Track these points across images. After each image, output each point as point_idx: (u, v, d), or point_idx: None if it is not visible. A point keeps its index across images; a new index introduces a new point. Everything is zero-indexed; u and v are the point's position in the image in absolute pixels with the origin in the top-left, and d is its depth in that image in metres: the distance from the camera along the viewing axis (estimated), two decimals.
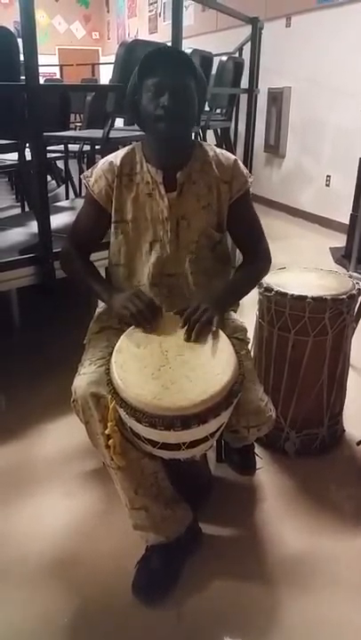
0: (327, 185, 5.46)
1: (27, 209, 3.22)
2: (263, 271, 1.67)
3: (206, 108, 3.54)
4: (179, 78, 1.38)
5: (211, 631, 1.39)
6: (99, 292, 1.52)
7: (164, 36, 7.76)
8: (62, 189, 3.84)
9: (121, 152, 1.55)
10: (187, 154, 1.51)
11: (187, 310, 1.39)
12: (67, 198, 3.68)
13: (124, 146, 1.61)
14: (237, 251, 1.70)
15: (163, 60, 1.38)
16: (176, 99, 1.36)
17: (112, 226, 1.55)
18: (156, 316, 1.41)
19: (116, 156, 1.54)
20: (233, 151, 4.44)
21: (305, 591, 1.48)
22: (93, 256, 1.66)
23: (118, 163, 1.52)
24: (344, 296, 1.82)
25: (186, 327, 1.36)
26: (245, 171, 1.56)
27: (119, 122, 2.98)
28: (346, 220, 4.39)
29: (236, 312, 1.72)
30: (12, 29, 2.33)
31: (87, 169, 1.63)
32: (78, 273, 1.58)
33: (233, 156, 1.56)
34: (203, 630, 1.39)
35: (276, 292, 1.84)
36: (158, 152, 1.49)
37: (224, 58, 4.08)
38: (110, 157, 1.56)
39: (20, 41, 2.07)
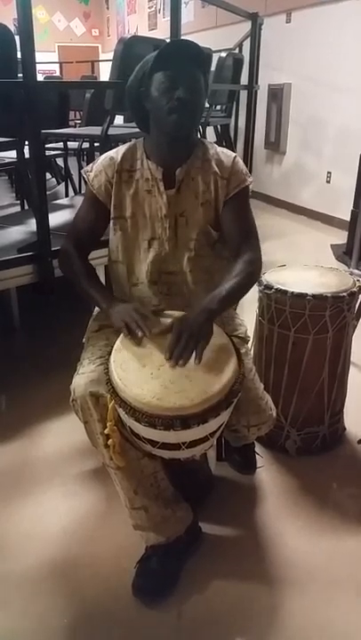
0: (328, 181, 5.44)
1: (26, 207, 3.21)
2: (254, 277, 1.49)
3: (206, 105, 3.52)
4: (193, 72, 1.39)
5: (211, 631, 1.38)
6: (97, 299, 1.47)
7: (163, 32, 7.72)
8: (62, 187, 3.83)
9: (122, 148, 1.54)
10: (189, 151, 1.50)
11: (170, 338, 1.28)
12: (66, 196, 3.67)
13: (124, 143, 1.60)
14: None
15: (178, 53, 1.38)
16: (191, 91, 1.36)
17: (111, 222, 1.54)
18: (150, 327, 1.33)
19: (117, 152, 1.53)
20: (233, 148, 4.43)
21: (306, 591, 1.47)
22: (93, 253, 1.63)
23: (119, 158, 1.51)
24: (345, 293, 1.81)
25: (169, 354, 1.26)
26: (245, 170, 1.54)
27: (119, 119, 2.96)
28: (347, 217, 4.37)
29: (235, 310, 1.70)
30: (12, 27, 2.31)
31: (87, 166, 1.61)
32: (76, 276, 1.52)
33: (233, 154, 1.55)
34: (203, 630, 1.38)
35: (277, 289, 1.83)
36: (161, 148, 1.48)
37: (224, 54, 4.06)
38: (111, 153, 1.55)
39: (17, 38, 2.06)
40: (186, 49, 1.39)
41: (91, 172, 1.54)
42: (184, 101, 1.35)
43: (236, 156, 1.54)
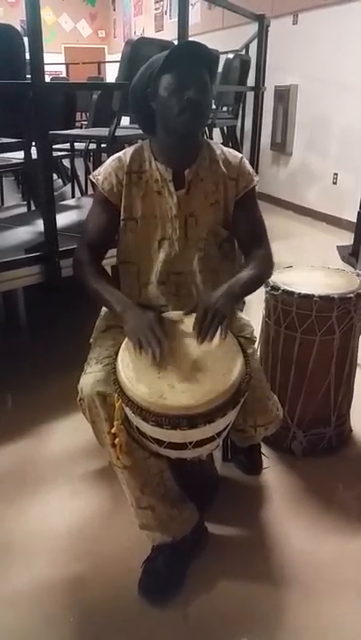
0: (334, 183, 5.43)
1: (33, 207, 3.22)
2: (267, 273, 1.57)
3: (212, 106, 3.53)
4: (201, 73, 1.39)
5: (216, 631, 1.38)
6: (111, 303, 1.44)
7: (170, 33, 7.74)
8: (68, 188, 3.84)
9: (129, 150, 1.54)
10: (196, 152, 1.51)
11: (196, 314, 1.34)
12: (73, 197, 3.68)
13: (130, 144, 1.60)
14: None
15: (188, 55, 1.38)
16: (200, 92, 1.37)
17: (121, 223, 1.54)
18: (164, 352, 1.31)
19: (125, 154, 1.54)
20: (240, 149, 4.42)
21: (311, 592, 1.47)
22: None
23: (127, 160, 1.51)
24: (352, 295, 1.81)
25: (198, 331, 1.31)
26: (251, 170, 1.56)
27: (125, 120, 2.97)
28: (353, 218, 4.36)
29: (242, 311, 1.71)
30: (19, 28, 2.32)
31: (93, 167, 1.62)
32: (89, 281, 1.49)
33: (239, 154, 1.56)
34: (208, 630, 1.38)
35: (283, 290, 1.83)
36: (169, 149, 1.48)
37: (230, 55, 4.06)
38: (119, 155, 1.55)
39: (26, 39, 2.07)
40: (195, 50, 1.39)
41: (99, 175, 1.54)
42: (194, 102, 1.36)
43: (242, 157, 1.55)
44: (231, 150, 1.57)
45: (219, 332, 1.31)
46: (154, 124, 1.47)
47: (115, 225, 1.55)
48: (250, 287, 1.49)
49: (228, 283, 1.42)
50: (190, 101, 1.35)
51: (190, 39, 1.41)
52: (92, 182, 1.59)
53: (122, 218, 1.53)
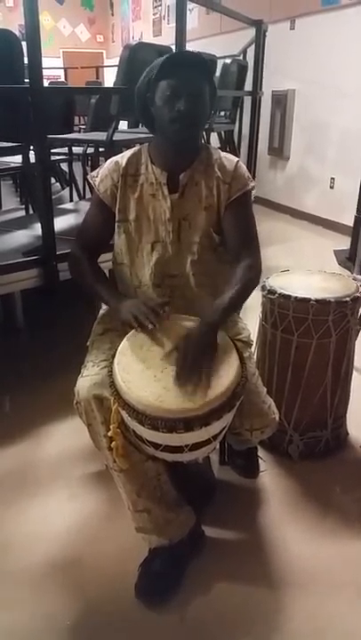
0: (331, 187, 5.45)
1: (31, 211, 3.23)
2: (252, 283, 1.50)
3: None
4: (196, 83, 1.40)
5: (213, 634, 1.38)
6: (106, 297, 1.51)
7: (168, 38, 7.77)
8: (66, 192, 3.85)
9: (127, 153, 1.57)
10: (193, 156, 1.52)
11: (177, 362, 1.29)
12: (71, 201, 3.69)
13: (128, 148, 1.62)
14: None
15: (182, 64, 1.40)
16: (192, 103, 1.38)
17: (115, 225, 1.56)
18: (160, 319, 1.37)
19: (123, 157, 1.56)
20: (237, 153, 4.44)
21: (309, 595, 1.47)
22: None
23: (124, 163, 1.53)
24: (348, 298, 1.81)
25: (177, 374, 1.27)
26: (247, 174, 1.56)
27: (123, 124, 2.98)
28: (350, 223, 4.36)
29: (239, 314, 1.71)
30: (17, 33, 2.34)
31: (91, 171, 1.63)
32: (85, 277, 1.56)
33: (236, 159, 1.57)
34: (205, 633, 1.38)
35: (280, 294, 1.84)
36: (166, 153, 1.50)
37: (228, 60, 4.08)
38: (117, 158, 1.57)
39: (24, 44, 2.08)
40: (190, 59, 1.41)
41: (97, 177, 1.57)
42: (184, 114, 1.37)
43: (238, 161, 1.56)
44: (228, 155, 1.58)
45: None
46: (153, 124, 1.49)
47: (110, 226, 1.57)
48: (234, 306, 1.47)
49: (210, 312, 1.39)
50: (180, 113, 1.37)
51: (187, 49, 1.41)
52: (89, 183, 1.61)
53: (116, 220, 1.55)
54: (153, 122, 1.48)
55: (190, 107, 1.37)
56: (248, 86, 4.30)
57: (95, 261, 1.60)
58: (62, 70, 10.60)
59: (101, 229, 1.59)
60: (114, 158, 1.58)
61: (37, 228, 2.35)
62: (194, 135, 1.51)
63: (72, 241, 1.65)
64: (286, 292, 1.83)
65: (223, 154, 1.58)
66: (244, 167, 1.56)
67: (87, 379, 1.41)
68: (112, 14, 12.00)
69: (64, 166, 4.09)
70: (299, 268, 2.15)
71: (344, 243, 4.52)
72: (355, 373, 2.06)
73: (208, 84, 1.43)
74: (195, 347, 1.30)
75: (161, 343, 1.35)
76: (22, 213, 3.32)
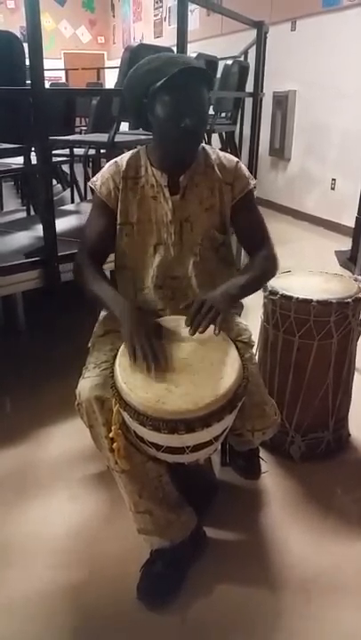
0: (332, 188, 5.45)
1: (32, 213, 3.23)
2: (269, 272, 1.60)
3: (211, 112, 3.54)
4: (201, 98, 1.40)
5: (215, 635, 1.38)
6: (108, 303, 1.46)
7: (169, 40, 7.77)
8: (67, 193, 3.85)
9: (126, 155, 1.56)
10: (191, 158, 1.52)
11: (192, 307, 1.36)
12: (72, 202, 3.69)
13: (130, 150, 1.62)
14: (242, 252, 1.70)
15: (187, 80, 1.36)
16: (197, 120, 1.38)
17: (117, 228, 1.56)
18: (158, 364, 1.29)
19: (122, 159, 1.55)
20: (238, 155, 4.44)
21: (310, 596, 1.47)
22: None
23: (124, 165, 1.53)
24: (350, 299, 1.81)
25: (190, 321, 1.34)
26: (247, 173, 1.57)
27: (124, 126, 2.98)
28: (351, 224, 4.38)
29: (240, 315, 1.71)
30: (19, 34, 2.34)
31: (92, 173, 1.64)
32: (88, 283, 1.50)
33: (235, 159, 1.57)
34: (207, 634, 1.38)
35: (282, 295, 1.84)
36: (165, 156, 1.50)
37: (229, 61, 4.08)
38: (115, 160, 1.57)
39: (25, 45, 2.09)
40: (196, 76, 1.38)
41: (97, 181, 1.56)
42: (190, 131, 1.37)
43: (238, 161, 1.57)
44: (227, 155, 1.59)
45: (212, 326, 1.32)
46: (150, 126, 1.47)
47: (113, 229, 1.56)
48: (249, 288, 1.51)
49: (227, 284, 1.45)
50: (186, 130, 1.37)
51: (193, 66, 1.39)
52: (91, 189, 1.60)
53: (118, 222, 1.54)
54: (148, 124, 1.46)
55: (196, 123, 1.37)
56: (249, 87, 4.30)
57: (99, 267, 1.56)
58: (63, 72, 10.61)
59: (105, 233, 1.56)
60: (112, 160, 1.57)
61: (39, 230, 2.36)
62: (197, 147, 1.51)
63: (75, 248, 1.61)
64: (288, 293, 1.83)
65: (222, 153, 1.58)
66: (244, 167, 1.58)
67: (88, 380, 1.41)
68: (113, 16, 12.02)
69: (65, 168, 4.10)
70: (300, 269, 2.15)
71: (345, 244, 4.53)
72: (356, 374, 2.05)
73: (208, 92, 1.43)
74: (211, 299, 1.35)
75: (162, 344, 1.35)
76: (24, 215, 3.33)
